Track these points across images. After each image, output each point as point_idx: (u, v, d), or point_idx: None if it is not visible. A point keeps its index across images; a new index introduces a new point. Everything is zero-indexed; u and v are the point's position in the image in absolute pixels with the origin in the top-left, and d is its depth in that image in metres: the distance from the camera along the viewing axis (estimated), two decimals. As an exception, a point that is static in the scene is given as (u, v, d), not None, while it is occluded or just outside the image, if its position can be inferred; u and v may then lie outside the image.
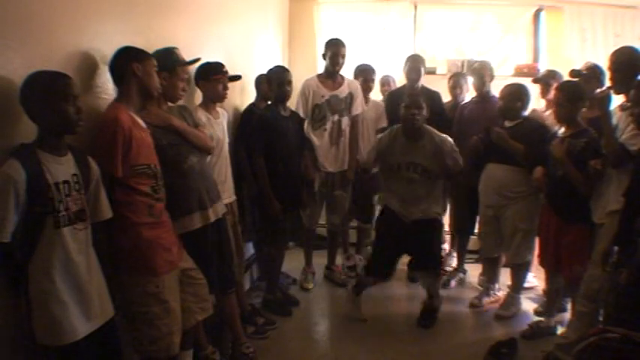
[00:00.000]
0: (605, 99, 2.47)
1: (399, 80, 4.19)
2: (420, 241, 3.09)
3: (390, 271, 3.23)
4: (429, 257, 3.14)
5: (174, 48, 2.24)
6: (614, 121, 2.51)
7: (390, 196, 3.18)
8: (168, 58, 2.18)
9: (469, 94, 3.86)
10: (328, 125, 3.56)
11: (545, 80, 3.46)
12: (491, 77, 3.59)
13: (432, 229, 3.14)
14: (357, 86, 3.68)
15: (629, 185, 2.21)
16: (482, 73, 3.54)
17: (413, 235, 3.08)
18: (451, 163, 3.05)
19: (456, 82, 3.88)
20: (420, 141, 3.06)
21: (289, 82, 3.22)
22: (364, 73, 3.89)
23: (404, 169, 3.06)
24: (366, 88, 3.84)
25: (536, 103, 3.73)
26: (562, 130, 2.83)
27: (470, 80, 3.79)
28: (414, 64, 3.72)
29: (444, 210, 4.09)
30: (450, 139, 3.09)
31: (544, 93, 3.49)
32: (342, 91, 3.58)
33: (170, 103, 2.29)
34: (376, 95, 4.13)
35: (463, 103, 3.76)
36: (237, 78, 2.88)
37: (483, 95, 3.56)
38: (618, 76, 2.50)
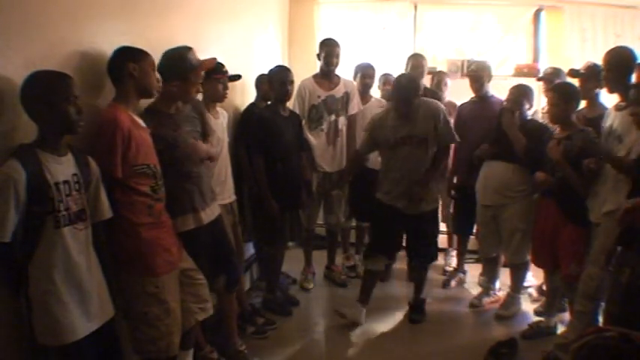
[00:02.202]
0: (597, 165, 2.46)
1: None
2: (420, 231, 3.13)
3: (396, 249, 3.29)
4: (429, 244, 3.19)
5: (187, 50, 2.18)
6: (609, 121, 2.52)
7: (386, 191, 3.10)
8: (180, 66, 2.14)
9: (449, 91, 3.96)
10: (325, 125, 3.57)
11: (550, 78, 3.44)
12: (489, 78, 3.57)
13: (432, 218, 3.20)
14: (353, 86, 3.68)
15: (632, 186, 2.22)
16: (480, 74, 3.53)
17: (411, 224, 3.10)
18: (442, 133, 2.99)
19: (439, 80, 3.93)
20: (412, 114, 2.97)
21: (291, 82, 3.23)
22: (362, 70, 3.88)
23: (400, 144, 2.98)
24: (364, 84, 3.84)
25: (538, 100, 3.73)
26: (558, 130, 2.83)
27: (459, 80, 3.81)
28: (417, 62, 3.73)
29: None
30: (443, 108, 3.09)
31: (547, 92, 3.47)
32: (339, 91, 3.58)
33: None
34: (375, 93, 4.12)
35: (462, 103, 3.76)
36: (237, 78, 2.88)
37: (482, 96, 3.55)
38: (611, 75, 2.53)
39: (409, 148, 2.98)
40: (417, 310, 3.29)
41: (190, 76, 2.17)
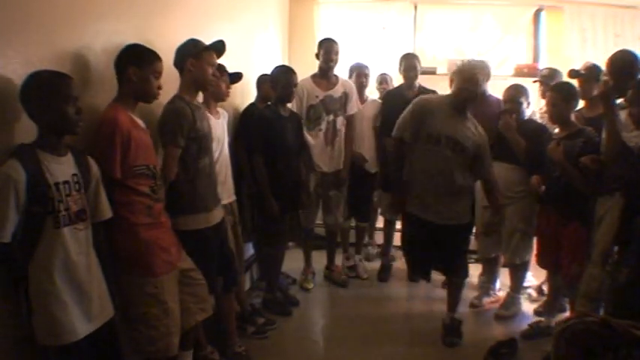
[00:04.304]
0: (607, 93, 2.44)
1: (396, 80, 4.20)
2: (450, 245, 2.89)
3: (429, 273, 3.11)
4: (459, 259, 2.96)
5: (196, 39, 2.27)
6: None
7: (415, 193, 2.85)
8: (191, 47, 2.21)
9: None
10: (323, 125, 3.56)
11: (546, 80, 3.44)
12: (486, 77, 3.51)
13: (464, 231, 2.95)
14: (351, 86, 3.67)
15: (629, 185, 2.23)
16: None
17: (442, 239, 2.84)
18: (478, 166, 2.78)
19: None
20: (467, 118, 2.78)
21: (295, 84, 3.23)
22: (357, 70, 3.88)
23: (443, 143, 2.71)
24: (360, 84, 3.83)
25: (537, 103, 3.73)
26: (557, 131, 2.83)
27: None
28: (410, 62, 3.70)
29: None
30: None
31: (545, 93, 3.47)
32: (337, 91, 3.57)
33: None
34: (372, 93, 4.12)
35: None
36: (238, 77, 2.87)
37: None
38: (614, 80, 2.50)
39: (447, 152, 2.72)
40: (451, 332, 2.99)
41: (203, 54, 2.22)
